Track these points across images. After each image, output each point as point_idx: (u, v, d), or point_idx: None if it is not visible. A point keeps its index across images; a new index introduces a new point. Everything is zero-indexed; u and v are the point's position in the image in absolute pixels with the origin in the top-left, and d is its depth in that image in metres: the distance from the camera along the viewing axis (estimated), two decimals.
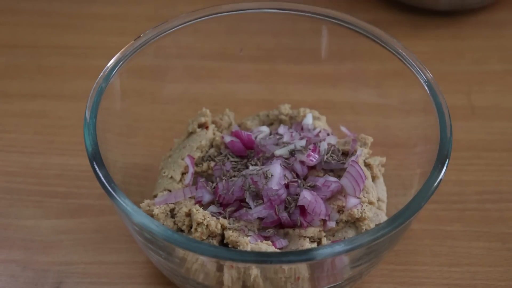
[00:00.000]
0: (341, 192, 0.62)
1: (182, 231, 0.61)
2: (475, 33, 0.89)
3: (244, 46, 0.74)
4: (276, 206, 0.59)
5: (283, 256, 0.52)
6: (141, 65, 0.67)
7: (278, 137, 0.66)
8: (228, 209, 0.61)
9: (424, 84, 0.63)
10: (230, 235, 0.58)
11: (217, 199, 0.62)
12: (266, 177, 0.60)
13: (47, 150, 0.75)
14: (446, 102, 0.61)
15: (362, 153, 0.65)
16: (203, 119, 0.68)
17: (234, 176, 0.62)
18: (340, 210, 0.61)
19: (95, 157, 0.57)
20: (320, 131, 0.67)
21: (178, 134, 0.70)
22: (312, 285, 0.57)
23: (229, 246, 0.59)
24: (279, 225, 0.61)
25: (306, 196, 0.59)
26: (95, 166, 0.56)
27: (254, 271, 0.55)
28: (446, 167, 0.57)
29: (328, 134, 0.67)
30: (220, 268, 0.56)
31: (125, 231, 0.67)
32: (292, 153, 0.63)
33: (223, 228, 0.59)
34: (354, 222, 0.62)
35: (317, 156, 0.63)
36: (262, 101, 0.76)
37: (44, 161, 0.74)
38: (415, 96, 0.64)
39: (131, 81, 0.66)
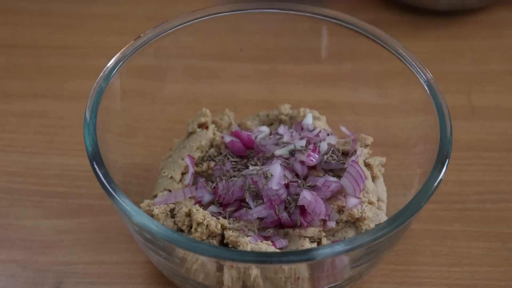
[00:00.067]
0: (341, 192, 0.62)
1: (182, 231, 0.61)
2: (475, 33, 0.89)
3: (244, 46, 0.74)
4: (276, 206, 0.59)
5: (283, 256, 0.52)
6: (141, 65, 0.67)
7: (278, 137, 0.66)
8: (228, 209, 0.61)
9: (424, 84, 0.63)
10: (230, 235, 0.58)
11: (217, 199, 0.62)
12: (266, 177, 0.60)
13: (47, 150, 0.75)
14: (446, 102, 0.61)
15: (362, 153, 0.65)
16: (203, 119, 0.68)
17: (234, 176, 0.62)
18: (340, 210, 0.61)
19: (95, 157, 0.57)
20: (320, 131, 0.67)
21: (178, 134, 0.70)
22: (312, 285, 0.57)
23: (229, 246, 0.59)
24: (279, 225, 0.60)
25: (306, 196, 0.59)
26: (95, 166, 0.56)
27: (254, 271, 0.55)
28: (446, 167, 0.57)
29: (328, 134, 0.67)
30: (220, 268, 0.56)
31: (125, 231, 0.67)
32: (292, 153, 0.63)
33: (223, 228, 0.59)
34: (354, 222, 0.62)
35: (317, 156, 0.63)
36: (262, 101, 0.76)
37: (44, 161, 0.74)
38: (415, 96, 0.64)
39: (131, 81, 0.66)
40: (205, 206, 0.62)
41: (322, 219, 0.60)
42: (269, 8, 0.70)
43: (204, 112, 0.69)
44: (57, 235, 0.68)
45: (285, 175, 0.61)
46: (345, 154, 0.66)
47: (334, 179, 0.62)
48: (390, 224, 0.53)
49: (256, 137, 0.66)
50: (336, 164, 0.63)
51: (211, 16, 0.68)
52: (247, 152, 0.66)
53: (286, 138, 0.65)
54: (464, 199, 0.71)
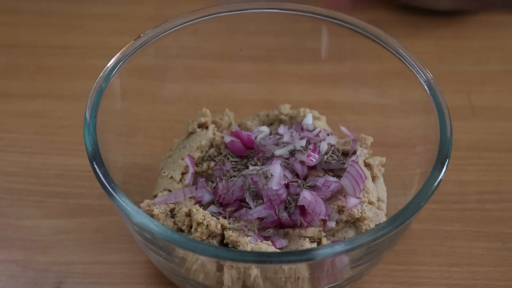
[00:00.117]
0: (341, 192, 0.62)
1: (182, 231, 0.61)
2: (475, 33, 0.89)
3: (244, 46, 0.74)
4: (276, 206, 0.59)
5: (283, 256, 0.52)
6: (141, 65, 0.67)
7: (278, 137, 0.66)
8: (228, 209, 0.61)
9: (424, 84, 0.63)
10: (230, 235, 0.58)
11: (217, 199, 0.62)
12: (266, 177, 0.60)
13: (47, 150, 0.75)
14: (446, 102, 0.61)
15: (362, 153, 0.65)
16: (203, 119, 0.68)
17: (234, 176, 0.62)
18: (340, 210, 0.61)
19: (95, 157, 0.57)
20: (320, 131, 0.67)
21: (178, 134, 0.70)
22: (312, 285, 0.57)
23: (229, 246, 0.59)
24: (279, 225, 0.60)
25: (306, 196, 0.59)
26: (95, 166, 0.56)
27: (254, 271, 0.55)
28: (446, 167, 0.57)
29: (328, 134, 0.67)
30: (220, 268, 0.56)
31: (125, 231, 0.67)
32: (292, 153, 0.63)
33: (223, 228, 0.59)
34: (354, 222, 0.62)
35: (317, 156, 0.63)
36: (262, 101, 0.76)
37: (44, 161, 0.74)
38: (415, 96, 0.64)
39: (131, 81, 0.66)
40: (205, 206, 0.62)
41: (322, 219, 0.60)
42: (269, 8, 0.70)
43: (204, 112, 0.69)
44: (57, 235, 0.68)
45: (285, 175, 0.61)
46: (345, 154, 0.66)
47: (334, 179, 0.62)
48: (390, 224, 0.53)
49: (256, 137, 0.66)
50: (336, 164, 0.63)
51: (211, 16, 0.68)
52: (247, 152, 0.66)
53: (286, 138, 0.65)
54: (464, 199, 0.71)
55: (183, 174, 0.65)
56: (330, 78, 0.74)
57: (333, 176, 0.63)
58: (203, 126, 0.68)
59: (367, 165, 0.66)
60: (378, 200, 0.65)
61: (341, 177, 0.62)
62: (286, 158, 0.63)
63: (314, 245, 0.60)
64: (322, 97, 0.74)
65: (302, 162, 0.62)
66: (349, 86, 0.73)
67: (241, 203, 0.61)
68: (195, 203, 0.62)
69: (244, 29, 0.72)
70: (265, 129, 0.68)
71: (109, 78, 0.63)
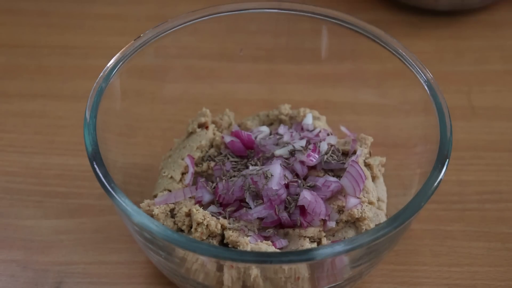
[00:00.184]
0: (341, 192, 0.62)
1: (182, 231, 0.61)
2: (475, 33, 0.89)
3: (244, 46, 0.74)
4: (276, 206, 0.59)
5: (283, 256, 0.52)
6: (141, 65, 0.67)
7: (278, 137, 0.66)
8: (228, 209, 0.61)
9: (424, 84, 0.63)
10: (230, 235, 0.58)
11: (217, 199, 0.62)
12: (266, 177, 0.60)
13: (47, 150, 0.75)
14: (446, 102, 0.61)
15: (362, 153, 0.65)
16: (203, 119, 0.68)
17: (234, 176, 0.62)
18: (340, 210, 0.61)
19: (95, 157, 0.57)
20: (320, 131, 0.67)
21: (178, 134, 0.70)
22: (312, 285, 0.57)
23: (229, 246, 0.59)
24: (279, 225, 0.61)
25: (306, 196, 0.59)
26: (95, 166, 0.56)
27: (254, 271, 0.55)
28: (446, 167, 0.57)
29: (328, 134, 0.67)
30: (220, 268, 0.56)
31: (125, 231, 0.67)
32: (292, 153, 0.63)
33: (223, 228, 0.59)
34: (354, 222, 0.62)
35: (317, 156, 0.63)
36: (262, 101, 0.76)
37: (44, 161, 0.74)
38: (415, 96, 0.64)
39: (131, 81, 0.66)
40: (205, 206, 0.62)
41: (322, 219, 0.60)
42: (269, 8, 0.70)
43: (204, 112, 0.69)
44: (57, 235, 0.68)
45: (285, 175, 0.61)
46: (345, 154, 0.66)
47: (334, 179, 0.62)
48: (390, 224, 0.53)
49: (256, 137, 0.66)
50: (336, 164, 0.63)
51: (211, 16, 0.68)
52: (247, 152, 0.66)
53: (286, 138, 0.65)
54: (464, 199, 0.71)
55: (183, 174, 0.65)
56: (330, 78, 0.74)
57: (333, 176, 0.63)
58: (203, 126, 0.68)
59: (367, 165, 0.66)
60: (378, 200, 0.65)
61: (341, 177, 0.62)
62: (286, 158, 0.63)
63: (314, 245, 0.60)
64: (322, 97, 0.74)
65: (302, 162, 0.62)
66: (349, 86, 0.73)
67: (241, 203, 0.61)
68: (195, 203, 0.62)
69: (244, 29, 0.72)
70: (265, 129, 0.68)
71: (109, 78, 0.63)
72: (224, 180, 0.62)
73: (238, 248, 0.57)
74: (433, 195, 0.56)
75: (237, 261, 0.53)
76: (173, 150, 0.68)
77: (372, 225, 0.62)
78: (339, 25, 0.68)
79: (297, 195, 0.60)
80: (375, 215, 0.63)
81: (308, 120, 0.68)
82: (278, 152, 0.63)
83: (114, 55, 0.64)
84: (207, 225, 0.59)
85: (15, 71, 0.84)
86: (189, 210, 0.61)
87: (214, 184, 0.63)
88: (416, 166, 0.63)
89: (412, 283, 0.65)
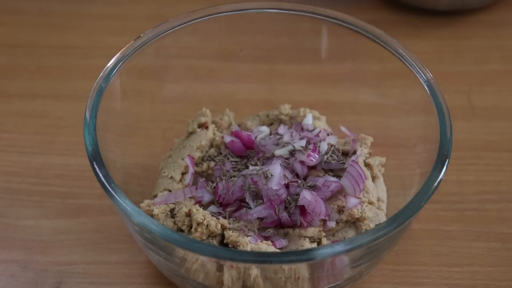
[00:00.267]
0: (341, 192, 0.62)
1: (182, 231, 0.61)
2: (475, 33, 0.89)
3: (244, 46, 0.74)
4: (276, 206, 0.59)
5: (283, 256, 0.52)
6: (141, 65, 0.67)
7: (278, 137, 0.66)
8: (228, 209, 0.61)
9: (424, 84, 0.63)
10: (230, 235, 0.58)
11: (217, 199, 0.62)
12: (266, 177, 0.60)
13: (47, 150, 0.75)
14: (446, 102, 0.61)
15: (362, 153, 0.65)
16: (203, 119, 0.68)
17: (234, 176, 0.62)
18: (340, 210, 0.61)
19: (95, 157, 0.57)
20: (320, 131, 0.67)
21: (178, 134, 0.70)
22: (312, 285, 0.57)
23: (229, 246, 0.59)
24: (279, 225, 0.61)
25: (306, 196, 0.59)
26: (95, 166, 0.56)
27: (254, 271, 0.55)
28: (446, 167, 0.57)
29: (328, 134, 0.67)
30: (220, 268, 0.56)
31: (125, 231, 0.67)
32: (292, 153, 0.63)
33: (223, 228, 0.59)
34: (354, 222, 0.62)
35: (317, 156, 0.63)
36: (262, 101, 0.76)
37: (44, 161, 0.74)
38: (415, 96, 0.64)
39: (131, 81, 0.66)
40: (205, 206, 0.62)
41: (322, 219, 0.60)
42: (269, 8, 0.70)
43: (204, 112, 0.69)
44: (57, 235, 0.68)
45: (285, 175, 0.61)
46: (345, 154, 0.66)
47: (334, 179, 0.62)
48: (390, 224, 0.53)
49: (256, 137, 0.66)
50: (336, 164, 0.63)
51: (211, 16, 0.68)
52: (247, 152, 0.66)
53: (286, 138, 0.65)
54: (464, 199, 0.71)
55: (183, 174, 0.65)
56: (330, 78, 0.74)
57: (333, 176, 0.63)
58: (203, 126, 0.68)
59: (367, 165, 0.66)
60: (378, 200, 0.65)
61: (341, 177, 0.62)
62: (286, 158, 0.63)
63: (314, 245, 0.60)
64: (322, 97, 0.74)
65: (302, 162, 0.62)
66: (349, 86, 0.73)
67: (241, 203, 0.61)
68: (195, 203, 0.62)
69: (244, 29, 0.72)
70: (265, 129, 0.68)
71: (109, 78, 0.63)
72: (224, 180, 0.62)
73: (238, 248, 0.57)
74: (433, 195, 0.56)
75: (237, 261, 0.53)
76: (173, 150, 0.68)
77: (372, 225, 0.62)
78: (339, 25, 0.68)
79: (297, 195, 0.60)
80: (375, 215, 0.63)
81: (308, 120, 0.68)
82: (278, 152, 0.63)
83: (114, 55, 0.64)
84: (207, 225, 0.59)
85: (15, 71, 0.84)
86: (189, 210, 0.61)
87: (214, 184, 0.63)
88: (416, 166, 0.63)
89: (412, 283, 0.65)
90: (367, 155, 0.67)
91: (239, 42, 0.74)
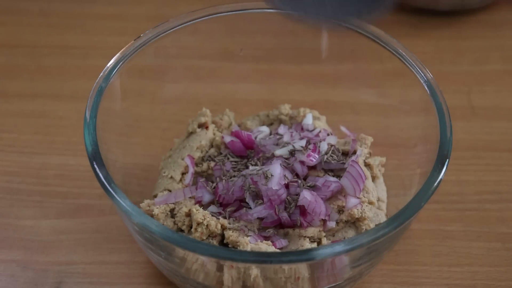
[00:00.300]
0: (341, 192, 0.62)
1: (182, 231, 0.61)
2: (475, 33, 0.89)
3: (244, 46, 0.74)
4: (276, 206, 0.59)
5: (283, 256, 0.52)
6: (141, 65, 0.67)
7: (278, 137, 0.66)
8: (228, 209, 0.61)
9: (424, 84, 0.63)
10: (230, 235, 0.58)
11: (217, 199, 0.62)
12: (266, 177, 0.60)
13: (47, 150, 0.75)
14: (446, 102, 0.61)
15: (362, 153, 0.65)
16: (203, 119, 0.68)
17: (234, 176, 0.62)
18: (340, 210, 0.61)
19: (95, 157, 0.57)
20: (320, 131, 0.67)
21: (178, 134, 0.70)
22: (312, 285, 0.57)
23: (229, 246, 0.59)
24: (279, 225, 0.61)
25: (306, 196, 0.59)
26: (95, 166, 0.56)
27: (254, 271, 0.55)
28: (446, 167, 0.57)
29: (328, 134, 0.67)
30: (220, 268, 0.56)
31: (125, 231, 0.67)
32: (292, 153, 0.63)
33: (223, 228, 0.59)
34: (354, 222, 0.62)
35: (317, 156, 0.63)
36: (262, 101, 0.76)
37: (44, 161, 0.74)
38: (415, 96, 0.64)
39: (131, 81, 0.66)
40: (205, 206, 0.62)
41: (322, 219, 0.60)
42: (269, 8, 0.70)
43: (204, 112, 0.69)
44: (57, 235, 0.68)
45: (285, 175, 0.61)
46: (345, 154, 0.66)
47: (334, 179, 0.62)
48: (390, 224, 0.53)
49: (256, 137, 0.66)
50: (336, 164, 0.63)
51: (211, 16, 0.68)
52: (247, 152, 0.66)
53: (286, 138, 0.65)
54: (464, 199, 0.71)
55: (183, 174, 0.65)
56: (330, 78, 0.74)
57: (333, 176, 0.63)
58: (203, 126, 0.68)
59: (367, 165, 0.66)
60: (378, 200, 0.65)
61: (341, 177, 0.62)
62: (286, 158, 0.63)
63: (314, 245, 0.60)
64: (322, 97, 0.74)
65: (302, 162, 0.62)
66: (349, 86, 0.73)
67: (241, 203, 0.61)
68: (195, 203, 0.62)
69: (244, 29, 0.72)
70: (265, 129, 0.68)
71: (109, 78, 0.63)
72: (224, 180, 0.62)
73: (238, 248, 0.57)
74: (433, 195, 0.56)
75: (237, 261, 0.53)
76: (173, 150, 0.68)
77: (372, 225, 0.62)
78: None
79: (297, 195, 0.60)
80: (375, 215, 0.63)
81: (308, 120, 0.68)
82: (278, 152, 0.63)
83: (114, 55, 0.64)
84: (207, 225, 0.59)
85: (15, 71, 0.84)
86: (189, 210, 0.61)
87: (214, 184, 0.63)
88: (416, 166, 0.63)
89: (412, 283, 0.65)
90: (367, 155, 0.67)
91: (239, 42, 0.74)
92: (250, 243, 0.58)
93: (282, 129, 0.67)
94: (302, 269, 0.55)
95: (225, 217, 0.60)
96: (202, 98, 0.73)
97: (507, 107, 0.80)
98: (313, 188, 0.61)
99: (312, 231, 0.60)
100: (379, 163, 0.67)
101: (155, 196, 0.64)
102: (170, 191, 0.64)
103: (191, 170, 0.65)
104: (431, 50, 0.87)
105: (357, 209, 0.61)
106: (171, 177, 0.65)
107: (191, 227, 0.60)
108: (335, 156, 0.63)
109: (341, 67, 0.73)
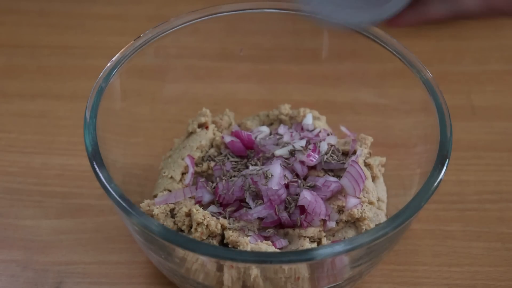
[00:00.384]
0: (341, 192, 0.62)
1: (182, 231, 0.61)
2: (475, 33, 0.89)
3: (244, 46, 0.74)
4: (276, 206, 0.59)
5: (283, 256, 0.52)
6: (141, 65, 0.67)
7: (278, 137, 0.66)
8: (228, 209, 0.61)
9: (424, 84, 0.63)
10: (230, 235, 0.58)
11: (217, 199, 0.62)
12: (266, 177, 0.60)
13: (47, 150, 0.75)
14: (446, 102, 0.61)
15: (362, 153, 0.65)
16: (203, 119, 0.68)
17: (234, 176, 0.62)
18: (340, 210, 0.61)
19: (95, 157, 0.57)
20: (320, 131, 0.67)
21: (178, 134, 0.70)
22: (312, 285, 0.57)
23: (229, 246, 0.59)
24: (279, 225, 0.61)
25: (306, 196, 0.59)
26: (95, 166, 0.56)
27: (254, 271, 0.55)
28: (446, 167, 0.57)
29: (328, 134, 0.67)
30: (220, 268, 0.56)
31: (125, 231, 0.67)
32: (292, 153, 0.63)
33: (223, 228, 0.59)
34: (354, 222, 0.62)
35: (317, 156, 0.63)
36: (262, 101, 0.76)
37: (44, 161, 0.74)
38: (415, 96, 0.64)
39: (131, 81, 0.66)
40: (205, 206, 0.62)
41: (322, 219, 0.60)
42: (269, 8, 0.70)
43: (204, 112, 0.69)
44: (57, 235, 0.68)
45: (285, 175, 0.61)
46: (345, 154, 0.66)
47: (334, 179, 0.62)
48: (390, 224, 0.53)
49: (256, 137, 0.66)
50: (336, 164, 0.63)
51: (211, 16, 0.69)
52: (247, 152, 0.66)
53: (286, 138, 0.65)
54: (464, 199, 0.71)
55: (183, 174, 0.65)
56: (330, 78, 0.74)
57: (333, 176, 0.63)
58: (203, 126, 0.68)
59: (367, 165, 0.66)
60: (378, 200, 0.65)
61: (341, 177, 0.62)
62: (286, 158, 0.63)
63: (314, 245, 0.60)
64: (322, 97, 0.74)
65: (302, 162, 0.62)
66: (349, 86, 0.73)
67: (241, 203, 0.61)
68: (195, 203, 0.62)
69: (244, 29, 0.72)
70: (265, 129, 0.68)
71: (109, 78, 0.63)
72: (224, 180, 0.62)
73: (238, 248, 0.57)
74: (433, 195, 0.56)
75: (237, 261, 0.53)
76: (173, 150, 0.68)
77: (372, 225, 0.62)
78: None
79: (297, 195, 0.60)
80: (375, 215, 0.63)
81: (308, 120, 0.68)
82: (278, 152, 0.63)
83: (114, 55, 0.64)
84: (207, 225, 0.59)
85: (15, 71, 0.84)
86: (189, 210, 0.61)
87: (214, 184, 0.63)
88: (416, 166, 0.63)
89: (412, 283, 0.65)
90: (367, 155, 0.67)
91: (239, 42, 0.74)
92: (250, 243, 0.58)
93: (282, 129, 0.67)
94: (302, 269, 0.55)
95: (225, 217, 0.60)
96: (202, 98, 0.73)
97: (507, 107, 0.80)
98: (313, 188, 0.61)
99: (312, 231, 0.60)
100: (379, 163, 0.67)
101: (155, 196, 0.64)
102: (170, 191, 0.64)
103: (191, 170, 0.65)
104: (431, 50, 0.87)
105: (357, 209, 0.61)
106: (171, 177, 0.65)
107: (191, 227, 0.60)
108: (335, 156, 0.63)
109: (341, 67, 0.73)
